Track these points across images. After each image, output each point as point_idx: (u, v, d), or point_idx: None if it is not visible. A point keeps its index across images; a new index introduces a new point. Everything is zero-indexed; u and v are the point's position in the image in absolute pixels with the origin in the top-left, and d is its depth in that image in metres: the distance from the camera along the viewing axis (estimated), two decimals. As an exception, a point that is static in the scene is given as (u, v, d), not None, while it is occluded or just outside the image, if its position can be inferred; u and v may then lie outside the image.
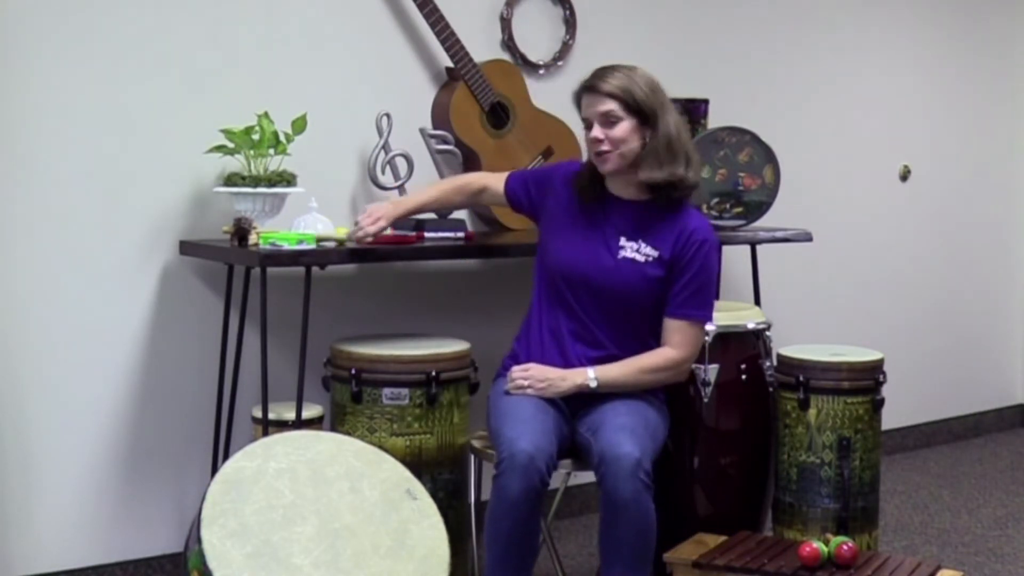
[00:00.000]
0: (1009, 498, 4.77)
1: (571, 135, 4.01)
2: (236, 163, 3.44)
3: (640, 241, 3.21)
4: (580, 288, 3.21)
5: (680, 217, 3.22)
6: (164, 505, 3.60)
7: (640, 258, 3.20)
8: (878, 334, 4.92)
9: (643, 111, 3.14)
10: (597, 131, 3.14)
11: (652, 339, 3.24)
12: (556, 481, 3.39)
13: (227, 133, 3.37)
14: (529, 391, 3.14)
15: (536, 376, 3.16)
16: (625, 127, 3.14)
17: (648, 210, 3.23)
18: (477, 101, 3.85)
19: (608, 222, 3.24)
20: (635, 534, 2.96)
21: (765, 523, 3.76)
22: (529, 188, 3.37)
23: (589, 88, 3.17)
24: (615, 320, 3.22)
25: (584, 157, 3.34)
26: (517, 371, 3.19)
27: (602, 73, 3.18)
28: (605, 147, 3.14)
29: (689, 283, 3.19)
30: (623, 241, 3.22)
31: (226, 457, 3.42)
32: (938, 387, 5.62)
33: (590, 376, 3.16)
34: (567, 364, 3.20)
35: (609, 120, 3.14)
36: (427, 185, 3.55)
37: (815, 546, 3.02)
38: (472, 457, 3.38)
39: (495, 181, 3.43)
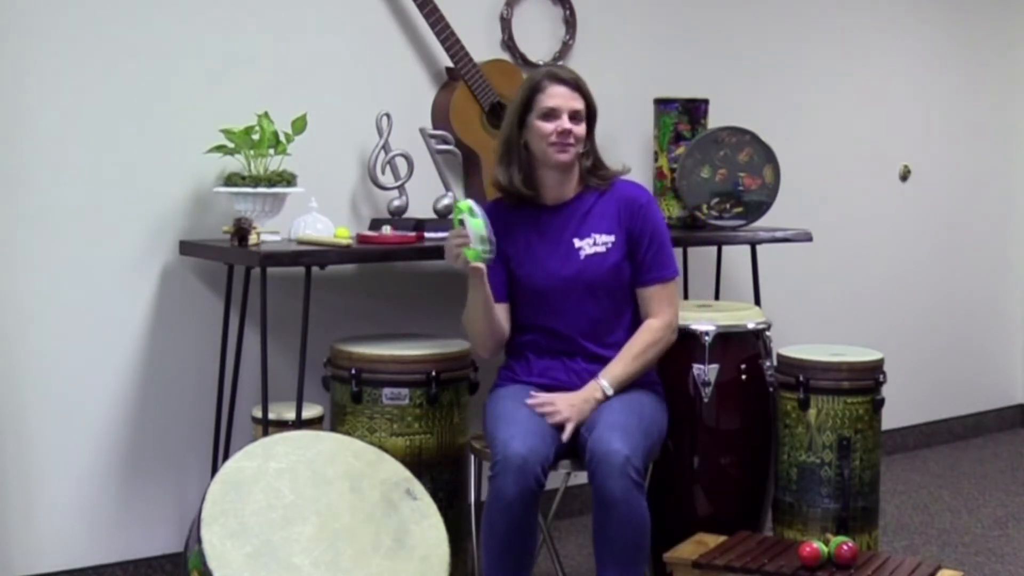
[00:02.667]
0: (1009, 498, 4.77)
1: (571, 135, 4.02)
2: (236, 163, 3.44)
3: (592, 234, 3.26)
4: (561, 300, 3.24)
5: (612, 192, 3.30)
6: (164, 505, 3.60)
7: (601, 249, 3.25)
8: (878, 334, 4.91)
9: (592, 116, 3.27)
10: (567, 123, 3.19)
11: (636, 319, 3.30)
12: (556, 481, 3.40)
13: (227, 133, 3.37)
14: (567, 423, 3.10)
15: (563, 410, 3.11)
16: (584, 127, 3.23)
17: (583, 203, 3.29)
18: (477, 101, 3.85)
19: (554, 231, 3.27)
20: (627, 532, 2.96)
21: (765, 523, 3.76)
22: (500, 255, 3.25)
23: (563, 81, 3.22)
24: (600, 319, 3.25)
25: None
26: (547, 409, 3.12)
27: (570, 72, 3.26)
28: (571, 140, 3.19)
29: (649, 247, 3.26)
30: (577, 242, 3.26)
31: (226, 457, 3.42)
32: (938, 387, 5.62)
33: (605, 386, 3.17)
34: (573, 375, 3.24)
35: (576, 118, 3.20)
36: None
37: (815, 546, 3.02)
38: (472, 457, 3.38)
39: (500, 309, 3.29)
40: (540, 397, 3.15)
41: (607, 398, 3.16)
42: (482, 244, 3.05)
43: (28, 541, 3.40)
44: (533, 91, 3.22)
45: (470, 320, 3.25)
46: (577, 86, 3.22)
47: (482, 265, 3.09)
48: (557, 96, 3.19)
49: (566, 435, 3.08)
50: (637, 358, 3.22)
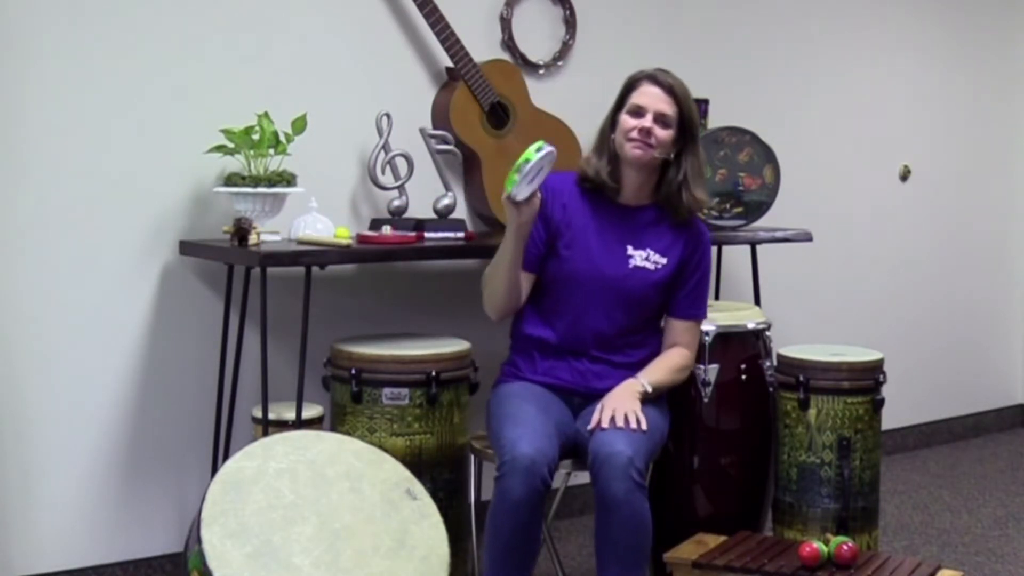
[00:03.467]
0: (1009, 498, 4.77)
1: (571, 135, 4.01)
2: (236, 163, 3.44)
3: (648, 249, 3.26)
4: (589, 296, 3.23)
5: (687, 225, 3.29)
6: (164, 505, 3.60)
7: (650, 266, 3.25)
8: (878, 334, 4.92)
9: (687, 128, 3.22)
10: (649, 122, 3.17)
11: (652, 338, 3.29)
12: (557, 481, 3.39)
13: (227, 133, 3.37)
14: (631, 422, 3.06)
15: (621, 413, 3.07)
16: (670, 134, 3.20)
17: (652, 214, 3.28)
18: (477, 101, 3.85)
19: (614, 230, 3.27)
20: (629, 533, 2.96)
21: (765, 523, 3.76)
22: (537, 230, 3.22)
23: (659, 83, 3.21)
24: (619, 327, 3.25)
25: (581, 156, 3.34)
26: (610, 421, 3.05)
27: (673, 78, 3.23)
28: (652, 141, 3.17)
29: (696, 285, 3.29)
30: (631, 250, 3.25)
31: (226, 457, 3.42)
32: (938, 387, 5.63)
33: (645, 383, 3.18)
34: (577, 375, 3.23)
35: (662, 120, 3.18)
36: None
37: (815, 546, 3.02)
38: (472, 457, 3.38)
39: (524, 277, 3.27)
40: (597, 417, 3.06)
41: (647, 396, 3.16)
42: (516, 172, 2.96)
43: (28, 541, 3.40)
44: (628, 88, 3.24)
45: (492, 275, 3.22)
46: (672, 92, 3.20)
47: (513, 193, 2.99)
48: (647, 95, 3.20)
49: (593, 421, 3.05)
50: (673, 372, 3.26)
